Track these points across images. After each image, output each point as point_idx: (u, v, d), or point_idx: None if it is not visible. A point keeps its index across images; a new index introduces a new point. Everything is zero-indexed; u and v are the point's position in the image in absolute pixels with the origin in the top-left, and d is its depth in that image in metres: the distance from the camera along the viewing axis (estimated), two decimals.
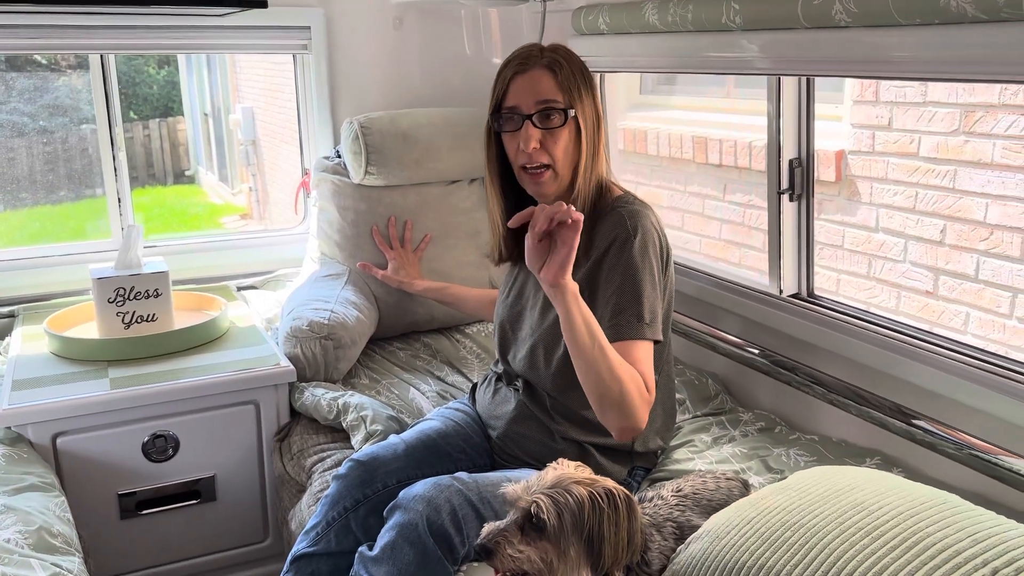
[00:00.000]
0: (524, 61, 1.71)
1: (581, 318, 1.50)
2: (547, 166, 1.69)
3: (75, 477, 2.02)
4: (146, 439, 2.08)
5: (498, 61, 2.56)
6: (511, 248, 1.85)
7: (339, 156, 2.68)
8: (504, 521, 1.25)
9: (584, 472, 1.29)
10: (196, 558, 2.19)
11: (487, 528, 1.26)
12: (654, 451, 1.84)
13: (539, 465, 1.72)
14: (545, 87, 1.68)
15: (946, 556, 1.12)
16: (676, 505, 1.46)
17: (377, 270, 2.45)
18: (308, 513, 1.86)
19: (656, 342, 1.65)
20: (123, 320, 2.24)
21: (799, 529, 1.22)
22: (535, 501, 1.23)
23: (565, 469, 1.29)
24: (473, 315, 2.43)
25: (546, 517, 1.22)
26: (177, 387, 2.07)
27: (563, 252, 1.47)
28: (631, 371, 1.55)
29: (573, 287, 1.50)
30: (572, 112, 1.69)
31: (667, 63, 2.24)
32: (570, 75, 1.70)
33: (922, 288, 2.84)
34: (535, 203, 1.75)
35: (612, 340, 1.57)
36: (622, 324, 1.61)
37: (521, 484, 1.27)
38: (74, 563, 1.55)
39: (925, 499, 1.23)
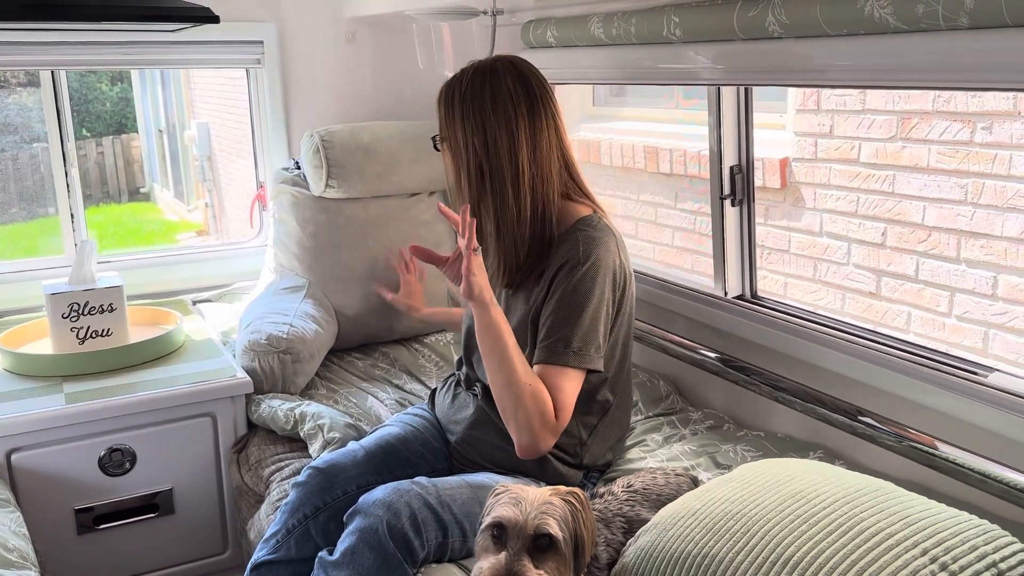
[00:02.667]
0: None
1: (493, 325, 1.59)
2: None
3: (30, 493, 2.02)
4: (102, 453, 2.08)
5: (450, 74, 2.60)
6: None
7: (298, 167, 2.70)
8: (506, 554, 1.25)
9: (536, 487, 1.35)
10: (155, 572, 2.19)
11: (491, 567, 1.25)
12: (602, 465, 1.87)
13: (497, 470, 1.76)
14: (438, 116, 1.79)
15: (880, 539, 1.17)
16: (626, 500, 1.51)
17: (388, 293, 2.45)
18: (267, 522, 1.87)
19: (592, 371, 1.66)
20: (77, 335, 2.24)
21: (741, 518, 1.26)
22: (541, 522, 1.26)
23: (522, 487, 1.33)
24: None
25: (558, 532, 1.26)
26: (133, 400, 2.07)
27: (469, 278, 1.57)
28: (537, 392, 1.59)
29: (488, 296, 1.59)
30: (444, 141, 1.77)
31: (614, 75, 2.29)
32: (442, 105, 1.76)
33: (865, 289, 2.93)
34: None
35: (538, 361, 1.63)
36: (549, 348, 1.64)
37: (510, 511, 1.28)
38: None
39: (860, 487, 1.28)
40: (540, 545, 1.26)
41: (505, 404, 1.61)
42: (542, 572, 1.25)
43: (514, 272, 1.75)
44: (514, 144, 1.69)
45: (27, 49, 2.47)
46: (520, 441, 1.61)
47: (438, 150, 1.82)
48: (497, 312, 1.60)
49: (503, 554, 1.25)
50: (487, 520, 1.30)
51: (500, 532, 1.28)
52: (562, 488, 1.34)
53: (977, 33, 1.33)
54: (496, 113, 1.69)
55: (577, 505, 1.31)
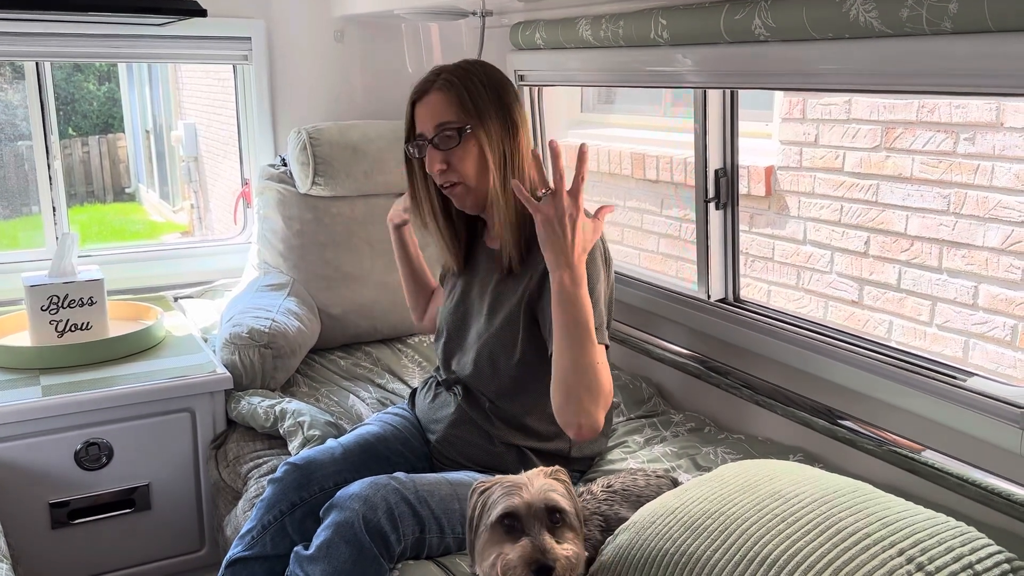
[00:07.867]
0: (422, 87, 1.75)
1: (583, 296, 1.52)
2: (458, 182, 1.72)
3: (4, 486, 1.99)
4: (79, 447, 2.06)
5: None
6: (463, 257, 1.88)
7: (284, 164, 2.68)
8: (528, 538, 1.23)
9: (522, 475, 1.34)
10: (130, 568, 2.17)
11: (519, 555, 1.22)
12: (590, 456, 1.88)
13: (477, 468, 1.76)
14: (440, 109, 1.71)
15: (857, 539, 1.17)
16: (605, 500, 1.50)
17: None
18: (243, 519, 1.86)
19: (607, 347, 1.66)
20: (56, 328, 2.22)
21: (719, 517, 1.26)
22: (550, 497, 1.25)
23: (507, 477, 1.32)
24: (415, 289, 2.19)
25: (568, 505, 1.26)
26: (111, 394, 2.05)
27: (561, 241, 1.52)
28: (607, 370, 1.57)
29: (579, 272, 1.53)
30: (468, 129, 1.70)
31: (602, 77, 2.30)
32: (464, 91, 1.71)
33: (848, 298, 2.95)
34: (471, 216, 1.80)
35: None
36: None
37: (516, 499, 1.25)
38: (1, 571, 1.53)
39: (839, 487, 1.29)
40: (554, 520, 1.25)
41: (580, 383, 1.53)
42: (567, 546, 1.24)
43: (513, 260, 1.74)
44: (515, 130, 1.73)
45: (12, 40, 2.46)
46: (588, 421, 1.53)
47: (448, 148, 1.71)
48: (583, 288, 1.54)
49: (525, 539, 1.23)
50: (495, 513, 1.26)
51: (512, 521, 1.25)
52: (545, 468, 1.33)
53: (960, 37, 1.35)
54: (509, 95, 1.74)
55: (565, 479, 1.32)
